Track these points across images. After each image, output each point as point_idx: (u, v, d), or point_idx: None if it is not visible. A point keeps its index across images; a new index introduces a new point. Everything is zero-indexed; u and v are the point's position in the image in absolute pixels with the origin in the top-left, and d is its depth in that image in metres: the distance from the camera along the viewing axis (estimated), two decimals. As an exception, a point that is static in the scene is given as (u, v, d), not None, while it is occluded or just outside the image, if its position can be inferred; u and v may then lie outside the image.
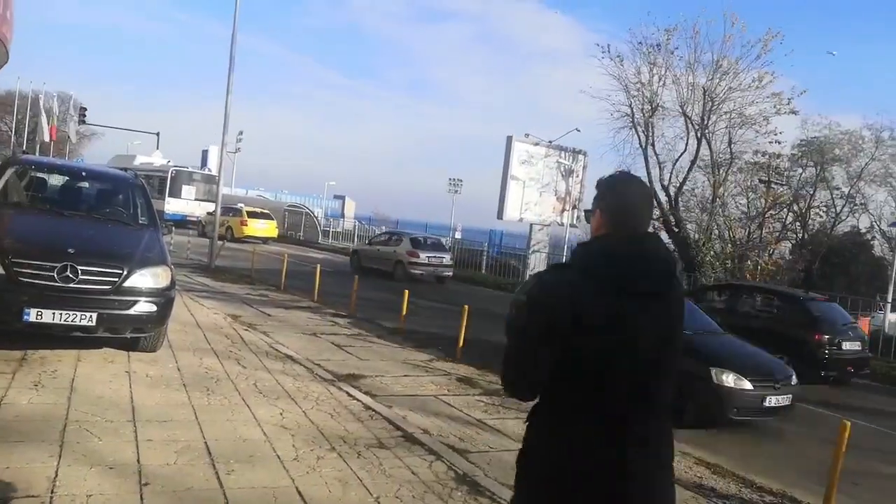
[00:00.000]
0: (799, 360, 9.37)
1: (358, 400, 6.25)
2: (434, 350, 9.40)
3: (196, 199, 31.70)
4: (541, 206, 23.65)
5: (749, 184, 24.67)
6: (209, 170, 34.23)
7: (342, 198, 63.88)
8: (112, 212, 7.58)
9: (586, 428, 1.88)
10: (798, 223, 28.61)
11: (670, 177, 22.06)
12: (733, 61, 20.67)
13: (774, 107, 20.77)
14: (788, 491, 5.54)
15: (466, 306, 9.69)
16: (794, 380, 7.84)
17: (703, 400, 7.29)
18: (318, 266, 14.33)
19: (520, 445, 2.04)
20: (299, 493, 4.03)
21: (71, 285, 5.83)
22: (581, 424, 1.89)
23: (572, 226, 23.09)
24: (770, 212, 24.96)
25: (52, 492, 3.64)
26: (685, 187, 22.32)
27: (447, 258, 21.96)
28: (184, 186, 31.98)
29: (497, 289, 21.46)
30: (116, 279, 6.06)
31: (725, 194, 22.90)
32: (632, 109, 21.79)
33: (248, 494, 3.93)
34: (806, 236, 28.49)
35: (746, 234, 23.81)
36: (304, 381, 6.71)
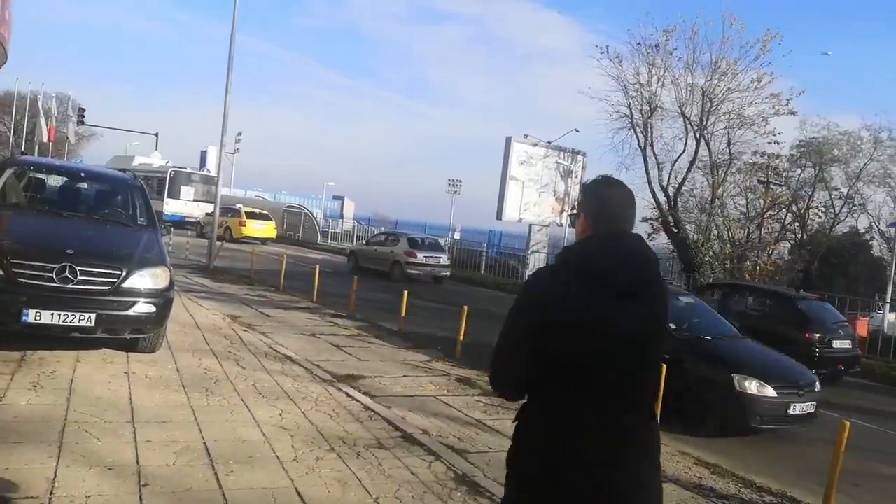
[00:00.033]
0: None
1: (357, 400, 6.25)
2: (433, 350, 9.39)
3: (195, 200, 31.68)
4: (540, 207, 23.69)
5: (748, 184, 24.71)
6: (208, 170, 34.22)
7: (341, 198, 63.91)
8: (111, 213, 7.57)
9: (572, 426, 1.93)
10: (797, 223, 28.63)
11: (669, 177, 22.09)
12: (732, 62, 20.73)
13: (773, 107, 20.82)
14: (788, 491, 5.54)
15: (466, 307, 9.69)
16: (818, 386, 7.62)
17: (725, 408, 7.11)
18: (318, 267, 14.32)
19: None
20: (298, 493, 4.03)
21: (70, 286, 5.82)
22: (567, 422, 1.93)
23: (571, 226, 23.08)
24: (769, 212, 24.99)
25: (50, 493, 3.64)
26: (684, 188, 22.34)
27: (444, 258, 21.96)
28: (182, 187, 31.96)
29: (496, 289, 21.46)
30: (115, 280, 6.06)
31: (724, 195, 22.93)
32: (631, 110, 21.84)
33: (247, 495, 3.93)
34: (805, 237, 28.51)
35: (745, 234, 23.84)
36: (303, 381, 6.71)
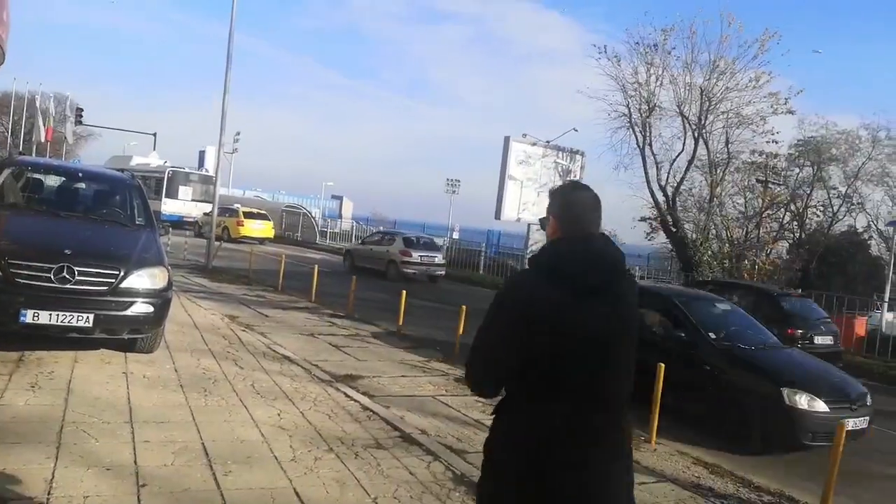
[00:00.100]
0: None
1: (356, 400, 6.24)
2: (431, 350, 9.39)
3: (193, 200, 31.63)
4: (538, 206, 23.62)
5: (746, 183, 24.68)
6: (206, 170, 34.16)
7: (340, 198, 63.82)
8: (109, 213, 7.56)
9: (542, 426, 1.99)
10: (795, 223, 28.64)
11: (668, 177, 22.10)
12: (730, 61, 20.73)
13: (771, 107, 20.82)
14: (786, 490, 5.54)
15: (464, 307, 9.69)
16: (869, 399, 7.11)
17: (773, 423, 6.65)
18: (316, 266, 14.31)
19: None
20: (297, 493, 4.03)
21: (68, 286, 5.81)
22: (537, 423, 2.00)
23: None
24: (767, 211, 24.98)
25: (48, 493, 3.63)
26: (682, 187, 22.34)
27: (439, 257, 22.06)
28: (180, 187, 31.91)
29: (494, 288, 21.28)
30: (113, 280, 6.05)
31: (723, 194, 22.93)
32: (629, 109, 21.84)
33: (245, 495, 3.93)
34: (803, 236, 28.52)
35: (744, 233, 23.83)
36: (301, 381, 6.70)
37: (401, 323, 10.76)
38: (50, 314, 5.73)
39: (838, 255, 27.62)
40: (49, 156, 36.23)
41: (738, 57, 20.54)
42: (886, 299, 17.95)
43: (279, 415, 5.50)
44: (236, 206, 30.98)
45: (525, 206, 23.39)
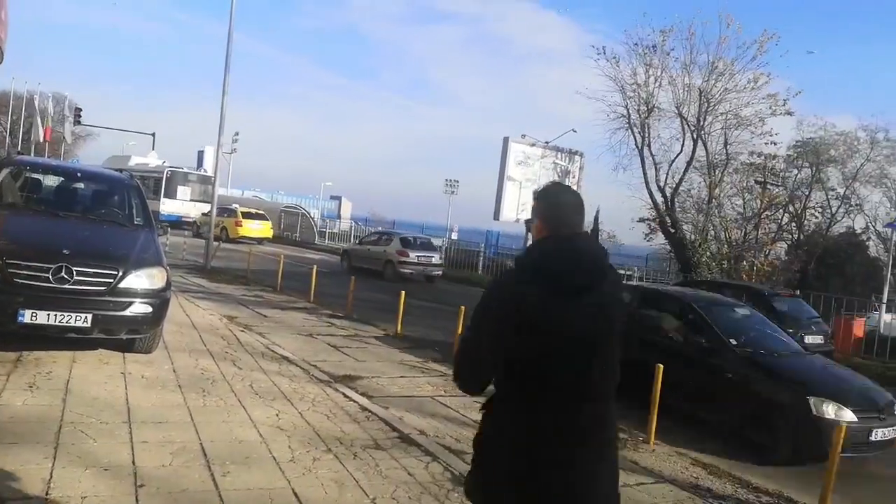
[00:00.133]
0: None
1: (354, 401, 6.24)
2: (430, 351, 9.39)
3: (191, 200, 31.62)
4: (537, 207, 23.60)
5: (745, 185, 24.70)
6: (205, 170, 34.14)
7: (339, 198, 63.79)
8: (107, 213, 7.56)
9: (529, 426, 2.04)
10: (794, 224, 28.65)
11: (666, 178, 22.06)
12: (729, 62, 20.70)
13: (770, 108, 20.80)
14: (784, 491, 5.55)
15: (463, 307, 9.68)
16: None
17: (800, 434, 6.40)
18: (315, 267, 14.30)
19: None
20: (295, 494, 4.02)
21: (66, 286, 5.80)
22: (524, 423, 2.04)
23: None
24: (766, 213, 25.00)
25: (46, 493, 3.63)
26: (681, 188, 22.32)
27: (436, 257, 22.14)
28: (179, 187, 31.90)
29: (493, 289, 21.43)
30: (112, 280, 6.04)
31: (721, 195, 22.92)
32: (628, 110, 21.81)
33: (243, 496, 3.92)
34: (801, 237, 28.53)
35: (742, 234, 23.83)
36: (300, 382, 6.70)
37: (400, 324, 10.75)
38: (48, 314, 5.72)
39: (837, 257, 27.63)
40: (47, 155, 36.20)
41: (736, 58, 20.53)
42: (884, 300, 17.94)
43: (278, 415, 5.50)
44: (234, 206, 30.97)
45: (524, 207, 23.33)
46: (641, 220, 23.40)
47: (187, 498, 3.82)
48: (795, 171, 28.45)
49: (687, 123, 21.48)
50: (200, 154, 42.60)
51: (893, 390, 7.38)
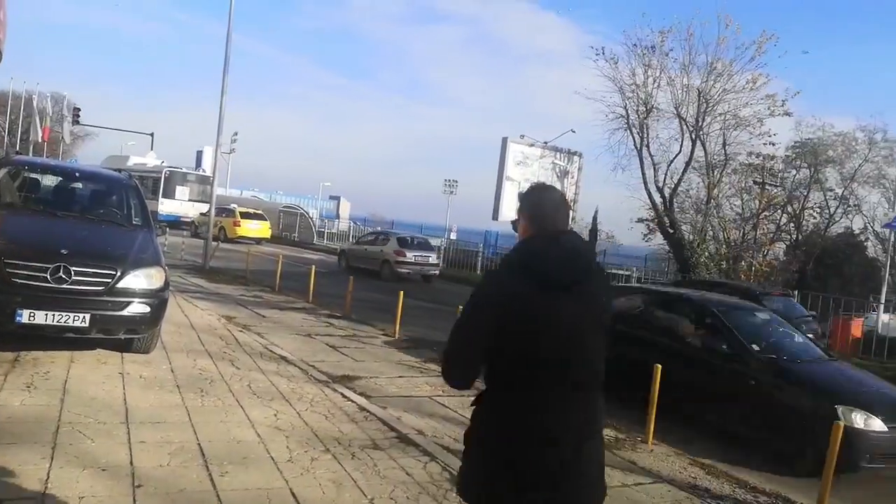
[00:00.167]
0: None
1: (352, 401, 6.24)
2: (428, 351, 9.38)
3: (190, 200, 31.61)
4: (536, 208, 23.60)
5: (743, 185, 24.75)
6: (203, 170, 34.13)
7: (337, 199, 63.75)
8: (106, 212, 7.55)
9: (520, 410, 2.10)
10: (792, 224, 28.71)
11: (665, 178, 22.11)
12: (727, 63, 20.75)
13: (768, 108, 20.85)
14: (782, 491, 5.55)
15: (461, 307, 9.67)
16: None
17: (826, 444, 6.03)
18: (313, 267, 14.30)
19: None
20: (293, 494, 4.02)
21: (64, 286, 5.80)
22: (514, 407, 2.11)
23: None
24: (764, 213, 25.06)
25: (44, 493, 3.62)
26: (680, 188, 22.36)
27: (433, 257, 22.20)
28: (178, 187, 31.88)
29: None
30: (110, 280, 6.04)
31: (720, 196, 22.96)
32: (627, 111, 21.85)
33: (241, 496, 3.92)
34: (800, 237, 28.58)
35: (741, 235, 23.89)
36: (298, 382, 6.69)
37: (398, 324, 10.75)
38: (46, 314, 5.72)
39: (835, 257, 27.66)
40: (46, 155, 36.16)
41: (735, 59, 20.59)
42: (882, 300, 17.97)
43: (276, 415, 5.50)
44: (233, 206, 30.95)
45: (523, 207, 23.37)
46: (640, 220, 23.46)
47: (185, 498, 3.82)
48: (794, 172, 28.52)
49: (685, 124, 21.52)
50: (199, 154, 42.59)
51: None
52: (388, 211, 55.87)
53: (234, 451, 4.58)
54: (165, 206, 30.31)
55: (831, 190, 29.18)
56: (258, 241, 29.44)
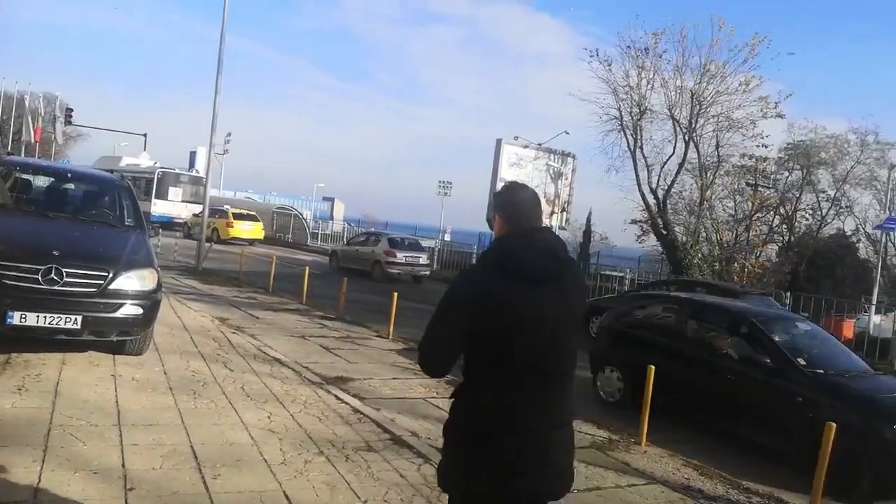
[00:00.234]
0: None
1: (346, 403, 6.23)
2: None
3: (183, 201, 31.48)
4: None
5: (736, 187, 24.84)
6: (196, 171, 34.02)
7: (331, 200, 63.70)
8: (98, 213, 7.51)
9: (495, 400, 2.19)
10: (784, 226, 28.82)
11: (658, 179, 22.19)
12: (721, 65, 20.86)
13: (761, 110, 20.96)
14: (775, 493, 5.57)
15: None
16: None
17: (885, 466, 5.72)
18: (307, 268, 14.26)
19: None
20: (287, 497, 4.01)
21: (55, 288, 5.76)
22: (493, 398, 2.20)
23: (561, 228, 23.17)
24: (757, 215, 25.14)
25: (35, 497, 3.60)
26: (673, 190, 22.45)
27: (424, 258, 22.23)
28: (170, 188, 31.73)
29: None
30: (102, 281, 6.01)
31: (713, 197, 23.05)
32: (620, 112, 21.93)
33: (234, 499, 3.91)
34: (792, 239, 28.69)
35: (734, 236, 23.96)
36: (292, 384, 6.67)
37: (392, 326, 10.74)
38: (37, 316, 5.68)
39: (827, 258, 27.78)
40: (38, 156, 35.98)
41: (728, 61, 20.71)
42: (874, 302, 18.06)
43: (269, 417, 5.48)
44: (226, 207, 30.86)
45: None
46: (633, 221, 23.51)
47: (177, 501, 3.80)
48: (786, 174, 28.64)
49: (679, 126, 21.60)
50: (192, 155, 42.52)
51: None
52: (383, 212, 55.94)
53: (228, 454, 4.57)
54: (158, 208, 30.16)
55: (823, 192, 29.36)
56: (251, 242, 29.37)
